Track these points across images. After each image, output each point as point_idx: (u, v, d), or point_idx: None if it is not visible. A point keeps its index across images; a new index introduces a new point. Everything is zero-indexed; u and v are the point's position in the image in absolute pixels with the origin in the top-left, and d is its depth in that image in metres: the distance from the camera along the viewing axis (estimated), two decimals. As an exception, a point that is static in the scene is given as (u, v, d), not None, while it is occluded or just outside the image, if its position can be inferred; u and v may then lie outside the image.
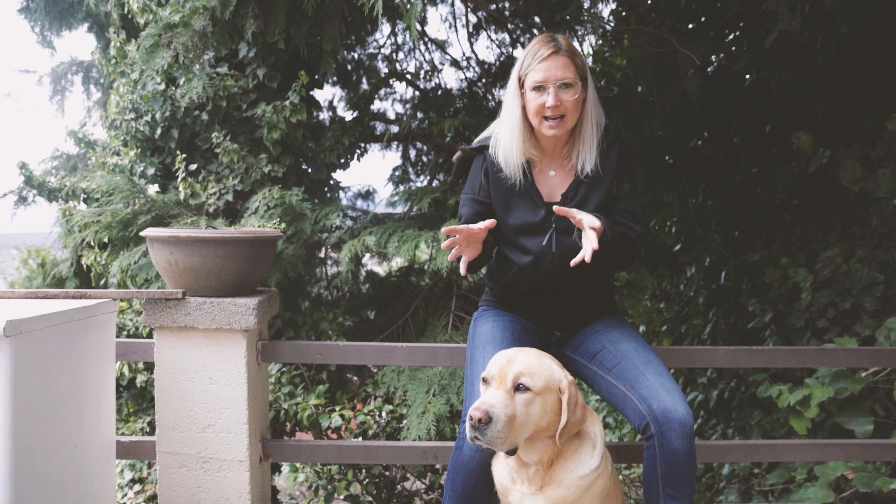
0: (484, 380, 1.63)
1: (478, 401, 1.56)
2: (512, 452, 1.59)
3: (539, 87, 1.86)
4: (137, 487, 3.42)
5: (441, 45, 4.51)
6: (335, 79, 4.05)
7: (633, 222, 1.97)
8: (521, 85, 1.92)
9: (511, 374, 1.57)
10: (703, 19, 4.13)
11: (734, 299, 4.02)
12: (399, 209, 3.44)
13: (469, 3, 4.05)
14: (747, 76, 3.94)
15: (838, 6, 2.98)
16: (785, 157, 3.72)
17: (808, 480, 2.85)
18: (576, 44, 2.51)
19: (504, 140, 1.96)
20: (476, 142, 2.07)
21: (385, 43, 4.42)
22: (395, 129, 4.13)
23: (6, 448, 1.57)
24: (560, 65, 1.85)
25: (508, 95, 1.95)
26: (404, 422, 2.83)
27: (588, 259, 1.70)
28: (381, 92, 4.33)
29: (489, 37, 4.41)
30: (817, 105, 3.49)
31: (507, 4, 4.04)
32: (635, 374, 1.84)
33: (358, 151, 3.60)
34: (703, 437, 3.96)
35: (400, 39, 4.39)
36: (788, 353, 2.38)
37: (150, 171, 3.23)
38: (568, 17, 3.47)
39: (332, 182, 3.58)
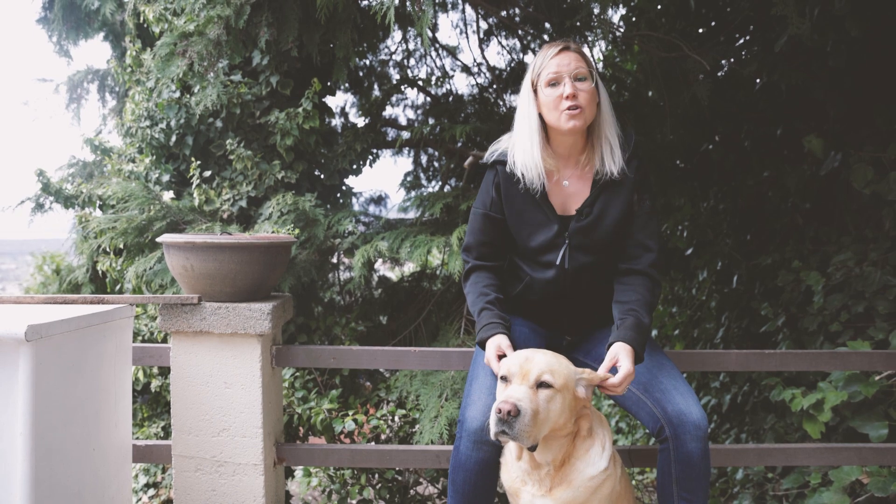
0: (503, 378, 1.66)
1: (504, 395, 1.59)
2: (533, 448, 1.62)
3: (554, 83, 1.88)
4: (152, 492, 3.45)
5: (452, 52, 4.53)
6: (347, 85, 4.07)
7: (650, 240, 1.95)
8: (535, 88, 1.92)
9: (534, 372, 1.61)
10: (712, 24, 4.13)
11: (746, 303, 4.00)
12: (411, 214, 3.46)
13: (480, 10, 4.07)
14: (758, 80, 3.94)
15: (848, 9, 2.98)
16: (796, 161, 3.71)
17: (822, 485, 2.83)
18: (585, 50, 2.53)
19: (521, 148, 1.93)
20: (487, 155, 2.03)
21: (397, 49, 4.44)
22: (406, 134, 4.15)
23: (27, 451, 1.60)
24: (572, 58, 1.89)
25: (522, 103, 1.95)
26: (417, 426, 2.83)
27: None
28: (393, 98, 4.35)
29: (500, 43, 4.43)
30: (828, 108, 3.48)
31: (517, 10, 4.06)
32: (648, 378, 1.84)
33: (370, 157, 3.62)
34: (716, 442, 3.94)
35: (411, 46, 4.41)
36: (801, 356, 2.37)
37: (165, 177, 3.27)
38: (578, 23, 3.48)
39: (344, 188, 3.60)
